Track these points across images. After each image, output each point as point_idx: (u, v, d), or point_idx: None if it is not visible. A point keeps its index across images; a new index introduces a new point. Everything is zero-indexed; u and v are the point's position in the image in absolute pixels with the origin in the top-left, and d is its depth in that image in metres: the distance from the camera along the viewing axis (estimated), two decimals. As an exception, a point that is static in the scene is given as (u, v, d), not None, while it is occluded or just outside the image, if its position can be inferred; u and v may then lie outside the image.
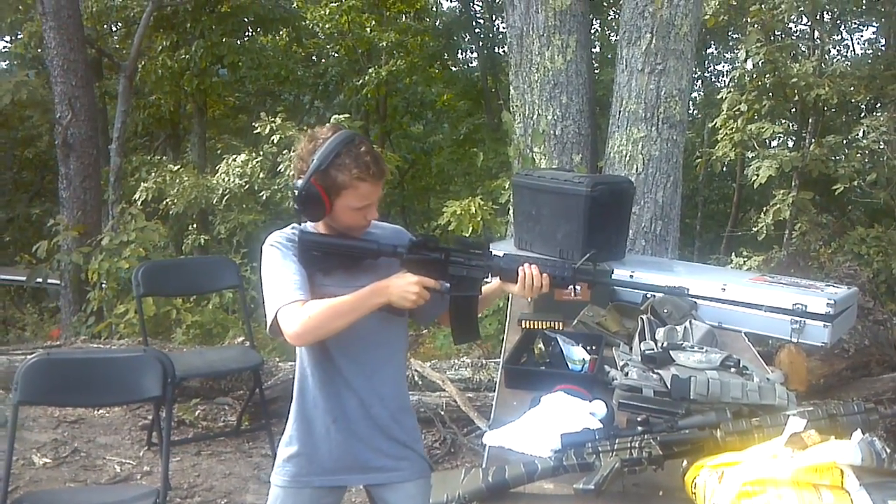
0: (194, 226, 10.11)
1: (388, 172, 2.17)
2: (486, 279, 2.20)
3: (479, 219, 6.66)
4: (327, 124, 2.17)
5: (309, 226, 2.19)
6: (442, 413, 4.66)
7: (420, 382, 4.79)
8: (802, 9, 9.52)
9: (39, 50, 11.17)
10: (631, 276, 3.29)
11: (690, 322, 2.74)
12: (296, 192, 2.06)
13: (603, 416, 2.07)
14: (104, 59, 12.45)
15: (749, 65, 9.72)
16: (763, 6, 9.07)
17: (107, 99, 13.51)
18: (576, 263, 2.15)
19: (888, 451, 1.45)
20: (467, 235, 6.49)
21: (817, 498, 1.44)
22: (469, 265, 2.15)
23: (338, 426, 2.21)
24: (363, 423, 2.22)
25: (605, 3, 14.02)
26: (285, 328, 2.02)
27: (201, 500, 3.96)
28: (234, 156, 9.00)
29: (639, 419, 1.79)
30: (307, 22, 14.49)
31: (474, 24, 16.74)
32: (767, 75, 9.14)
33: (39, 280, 7.66)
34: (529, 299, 3.09)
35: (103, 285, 6.59)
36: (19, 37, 13.26)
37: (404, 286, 2.05)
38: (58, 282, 7.89)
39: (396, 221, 14.85)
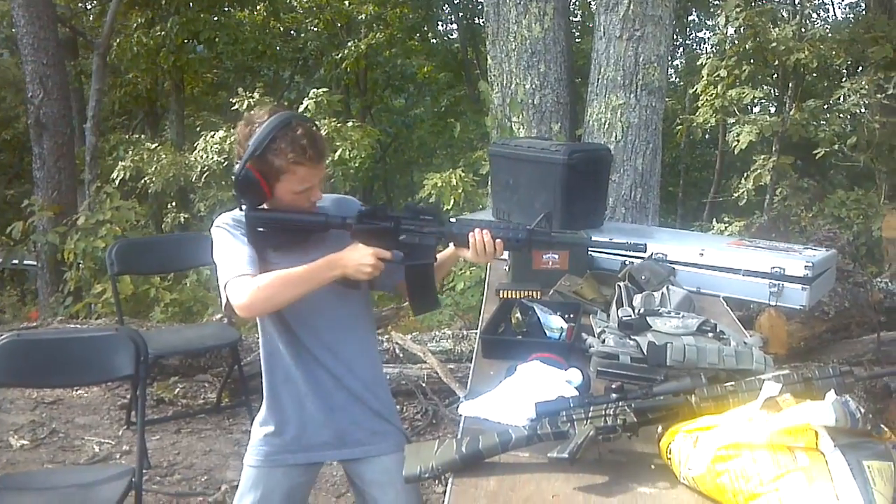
0: (174, 204, 10.04)
1: (328, 152, 2.13)
2: (439, 246, 2.17)
3: (460, 191, 6.64)
4: (266, 107, 2.12)
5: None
6: (423, 385, 4.65)
7: (401, 355, 4.77)
8: (782, -28, 9.47)
9: (13, 30, 11.01)
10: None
11: (668, 288, 2.72)
12: (233, 177, 2.03)
13: (579, 383, 2.05)
14: (79, 38, 12.27)
15: (729, 30, 9.67)
16: (743, -30, 9.01)
17: (83, 78, 13.33)
18: (531, 225, 2.12)
19: (862, 410, 1.44)
20: (448, 207, 6.46)
21: (792, 460, 1.43)
22: (420, 232, 2.11)
23: (311, 399, 2.19)
24: (338, 395, 2.20)
25: (583, -29, 13.90)
26: (234, 300, 1.98)
27: (181, 478, 3.94)
28: (213, 132, 8.91)
29: (613, 386, 1.76)
30: (284, -5, 14.34)
31: (453, -6, 16.60)
32: (747, 40, 9.09)
33: (15, 261, 7.59)
34: (507, 268, 3.09)
35: (80, 265, 6.54)
36: (-10, 17, 13.06)
37: (359, 258, 2.02)
38: (35, 263, 7.82)
39: (378, 195, 14.89)
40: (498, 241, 2.09)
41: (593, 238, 2.74)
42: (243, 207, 2.10)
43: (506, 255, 3.05)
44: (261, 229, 2.07)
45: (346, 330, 2.21)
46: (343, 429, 2.23)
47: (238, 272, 2.00)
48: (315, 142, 2.02)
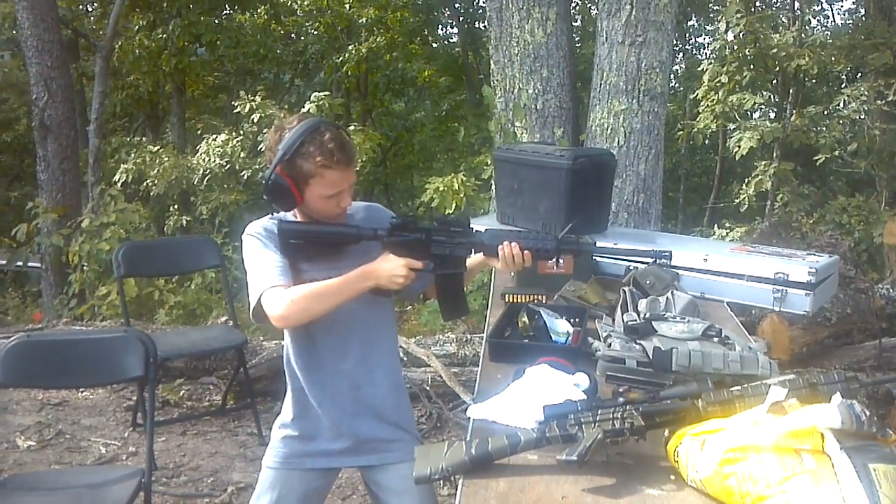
0: (175, 207, 10.04)
1: (357, 157, 2.15)
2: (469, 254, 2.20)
3: (462, 195, 6.65)
4: (296, 114, 2.15)
5: (288, 214, 2.17)
6: (427, 388, 4.68)
7: (405, 358, 4.78)
8: (783, -21, 9.50)
9: (14, 31, 11.01)
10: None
11: (672, 293, 2.75)
12: (264, 183, 2.05)
13: (587, 387, 2.07)
14: (81, 40, 12.29)
15: (730, 36, 9.70)
16: (743, -24, 9.06)
17: (84, 80, 13.34)
18: (558, 234, 2.15)
19: (867, 413, 1.46)
20: (450, 212, 6.47)
21: (798, 462, 1.45)
22: (451, 244, 2.15)
23: (331, 406, 2.20)
24: (357, 402, 2.22)
25: (585, -23, 13.94)
26: (270, 311, 2.01)
27: (187, 480, 3.96)
28: (215, 135, 8.93)
29: (621, 390, 1.79)
30: (285, -1, 14.37)
31: (454, -2, 16.63)
32: (748, 46, 9.12)
33: (20, 263, 7.60)
34: (512, 273, 3.12)
35: (84, 267, 6.55)
36: (-7, 18, 13.05)
37: (392, 270, 2.05)
38: (39, 265, 7.83)
39: (379, 199, 14.88)
40: (527, 252, 2.12)
41: (603, 244, 2.76)
42: (274, 214, 2.13)
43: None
44: (293, 241, 2.09)
45: (369, 337, 2.23)
46: (361, 436, 2.24)
47: (272, 283, 2.03)
48: (343, 146, 2.03)
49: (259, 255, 2.09)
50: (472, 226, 2.18)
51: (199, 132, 11.29)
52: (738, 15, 8.80)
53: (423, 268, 2.11)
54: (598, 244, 2.28)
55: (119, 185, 8.23)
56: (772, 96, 11.03)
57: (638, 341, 2.32)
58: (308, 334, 2.17)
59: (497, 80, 5.61)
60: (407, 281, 2.07)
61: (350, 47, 13.03)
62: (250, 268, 2.09)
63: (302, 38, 15.21)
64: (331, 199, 2.08)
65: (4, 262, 7.93)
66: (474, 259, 2.25)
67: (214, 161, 8.64)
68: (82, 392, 4.89)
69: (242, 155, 8.58)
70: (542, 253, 2.14)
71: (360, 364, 2.21)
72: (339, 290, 2.03)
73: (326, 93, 8.71)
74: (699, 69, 10.40)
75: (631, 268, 3.02)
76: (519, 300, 2.95)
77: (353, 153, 2.08)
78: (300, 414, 2.24)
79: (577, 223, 2.20)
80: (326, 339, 2.17)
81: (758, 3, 9.88)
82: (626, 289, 2.79)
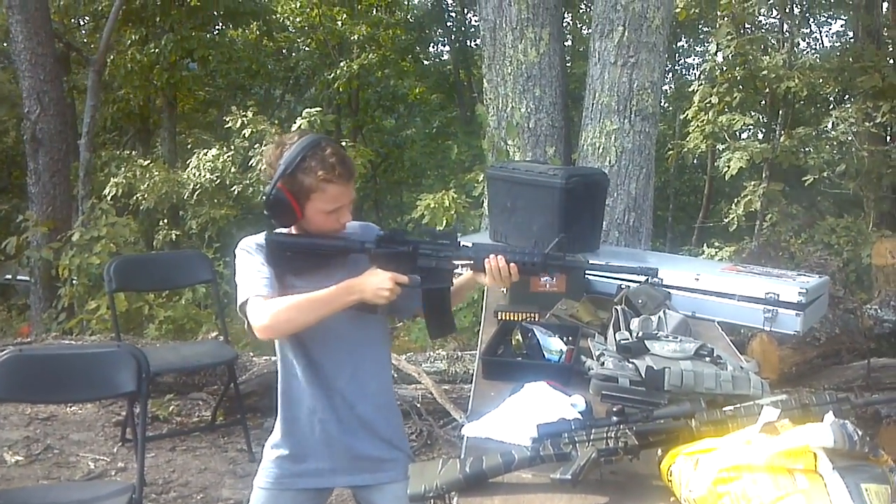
0: (165, 221, 10.04)
1: (357, 173, 2.16)
2: (456, 270, 2.20)
3: (452, 212, 6.68)
4: (295, 130, 2.16)
5: (282, 231, 2.17)
6: (418, 405, 4.67)
7: (396, 375, 4.77)
8: (772, 2, 9.59)
9: (5, 44, 11.01)
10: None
11: (664, 312, 2.75)
12: (265, 198, 2.06)
13: (583, 409, 2.08)
14: (73, 54, 12.28)
15: (720, 57, 9.79)
16: (733, -1, 9.15)
17: (75, 94, 13.32)
18: (546, 249, 2.15)
19: (860, 433, 1.47)
20: (440, 229, 6.49)
21: (792, 482, 1.46)
22: (438, 256, 2.14)
23: (323, 426, 2.20)
24: (350, 421, 2.21)
25: (576, -4, 14.04)
26: (253, 320, 2.01)
27: (177, 496, 3.94)
28: (205, 150, 8.94)
29: (614, 409, 1.80)
30: (278, 15, 14.41)
31: (446, 17, 16.72)
32: (738, 68, 9.21)
33: (9, 276, 7.57)
34: (504, 290, 3.12)
35: (74, 281, 6.53)
36: (-16, 31, 13.03)
37: (377, 283, 2.04)
38: (27, 278, 7.80)
39: (369, 215, 14.92)
40: (513, 265, 2.11)
41: (595, 262, 2.77)
42: (266, 234, 2.13)
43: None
44: (284, 253, 2.10)
45: (362, 355, 2.23)
46: (354, 454, 2.23)
47: (258, 292, 2.03)
48: (344, 161, 2.05)
49: (248, 268, 2.10)
50: (459, 240, 2.18)
51: (189, 147, 11.30)
52: (729, 37, 8.89)
53: (410, 282, 2.10)
54: (590, 263, 2.29)
55: (109, 198, 8.22)
56: (761, 117, 11.12)
57: (631, 360, 2.33)
58: (302, 352, 2.16)
59: (490, 99, 5.64)
60: (392, 295, 2.05)
61: (342, 64, 13.09)
62: (240, 279, 2.10)
63: (294, 54, 15.28)
64: (331, 215, 2.09)
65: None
66: (463, 277, 2.25)
67: (205, 176, 8.66)
68: (71, 407, 4.86)
69: (233, 170, 8.60)
70: (528, 267, 2.13)
71: (353, 382, 2.21)
72: (324, 302, 2.03)
73: (318, 108, 8.74)
74: (689, 90, 10.50)
75: (623, 287, 3.03)
76: (512, 318, 2.95)
77: (353, 168, 2.10)
78: (292, 433, 2.23)
79: (563, 238, 2.20)
80: (319, 357, 2.17)
81: (748, 26, 9.97)
82: (619, 307, 2.80)
